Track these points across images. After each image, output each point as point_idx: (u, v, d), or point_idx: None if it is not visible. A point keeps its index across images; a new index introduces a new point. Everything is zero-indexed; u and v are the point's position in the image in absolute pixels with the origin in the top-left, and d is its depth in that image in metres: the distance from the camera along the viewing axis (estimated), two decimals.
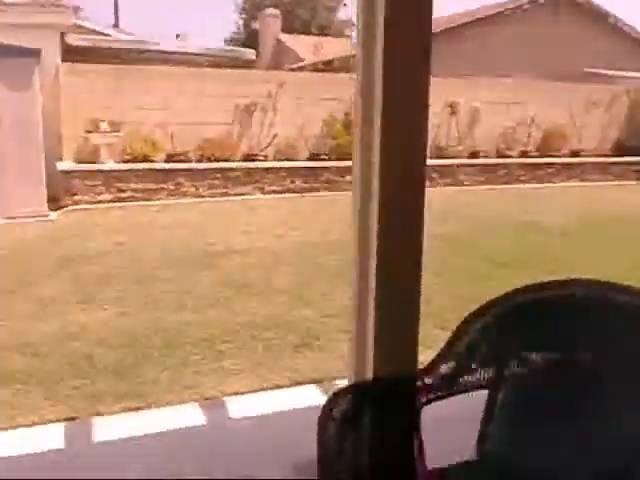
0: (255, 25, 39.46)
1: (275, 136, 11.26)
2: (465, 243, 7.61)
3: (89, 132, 10.03)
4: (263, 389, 3.84)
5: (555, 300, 1.82)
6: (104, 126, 10.00)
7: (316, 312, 5.10)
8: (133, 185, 9.92)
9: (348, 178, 11.50)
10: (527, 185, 12.70)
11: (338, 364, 4.16)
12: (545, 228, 8.34)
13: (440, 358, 1.80)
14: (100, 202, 9.65)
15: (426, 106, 1.87)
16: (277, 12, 26.26)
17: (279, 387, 3.87)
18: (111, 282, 5.73)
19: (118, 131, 10.13)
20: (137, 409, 3.57)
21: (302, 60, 23.52)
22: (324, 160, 11.41)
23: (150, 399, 3.67)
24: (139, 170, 9.98)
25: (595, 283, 1.80)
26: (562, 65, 16.95)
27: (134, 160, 10.09)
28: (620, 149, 14.13)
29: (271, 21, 25.87)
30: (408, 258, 1.93)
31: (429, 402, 1.81)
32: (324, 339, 4.57)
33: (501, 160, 12.87)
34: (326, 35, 29.49)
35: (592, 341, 1.78)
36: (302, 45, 25.19)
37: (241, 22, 40.94)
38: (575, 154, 13.63)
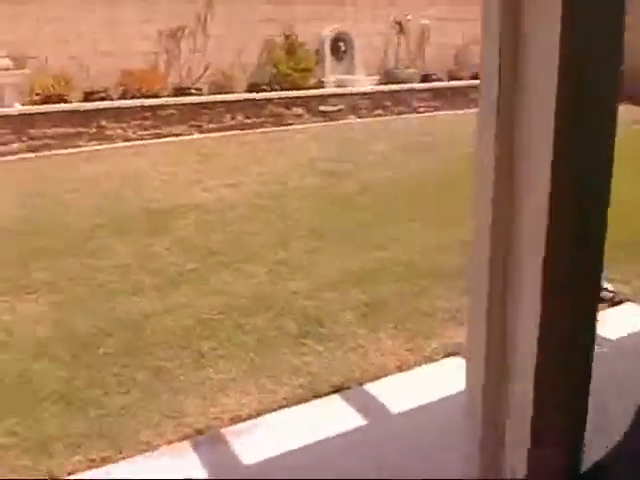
0: None
1: (208, 66, 9.86)
2: None
3: None
4: (271, 408, 2.85)
5: None
6: (6, 62, 8.37)
7: (307, 284, 4.09)
8: (47, 131, 8.41)
9: (295, 110, 10.32)
10: None
11: (358, 359, 3.22)
12: None
13: None
14: (10, 153, 8.14)
15: None
16: None
17: (291, 401, 2.90)
18: (35, 259, 4.51)
19: (23, 67, 8.52)
20: (103, 461, 2.53)
21: None
22: (265, 91, 10.14)
23: (120, 442, 2.63)
24: (53, 113, 8.44)
25: None
26: None
27: (46, 101, 8.53)
28: None
29: None
30: None
31: None
32: (329, 323, 3.60)
33: (455, 83, 11.92)
34: None
35: None
36: None
37: None
38: None
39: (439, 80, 11.93)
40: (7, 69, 8.38)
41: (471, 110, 11.70)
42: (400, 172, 6.97)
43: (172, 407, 2.85)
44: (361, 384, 3.02)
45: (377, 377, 3.08)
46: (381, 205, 5.77)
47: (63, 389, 2.97)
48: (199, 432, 2.69)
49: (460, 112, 11.57)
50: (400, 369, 3.17)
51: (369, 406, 2.84)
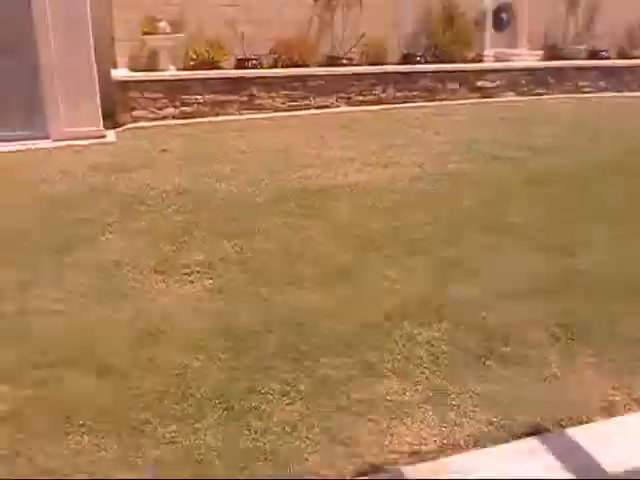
0: None
1: (363, 35, 9.41)
2: None
3: (146, 34, 8.40)
4: (458, 446, 2.44)
5: None
6: (163, 26, 8.35)
7: (485, 289, 3.61)
8: (199, 97, 8.35)
9: (450, 85, 9.68)
10: None
11: (554, 392, 2.73)
12: None
13: None
14: (164, 117, 8.16)
15: None
16: None
17: (480, 440, 2.47)
18: (193, 237, 4.33)
19: (180, 32, 8.48)
20: None
21: None
22: (420, 63, 9.56)
23: (285, 468, 2.32)
24: (206, 79, 8.36)
25: None
26: None
27: (199, 67, 8.46)
28: None
29: None
30: None
31: None
32: (515, 342, 3.11)
33: (626, 62, 10.76)
34: None
35: None
36: None
37: None
38: None
39: (608, 58, 10.81)
40: (164, 33, 8.36)
41: None
42: (574, 159, 6.25)
43: (341, 430, 2.51)
44: (563, 427, 2.54)
45: (580, 419, 2.59)
46: (558, 199, 5.13)
47: (222, 392, 2.71)
48: (375, 468, 2.33)
49: (630, 94, 10.47)
50: (607, 412, 2.65)
51: (578, 459, 2.36)
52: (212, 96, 8.39)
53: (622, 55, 11.01)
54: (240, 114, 8.50)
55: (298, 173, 5.73)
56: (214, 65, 8.52)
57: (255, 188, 5.31)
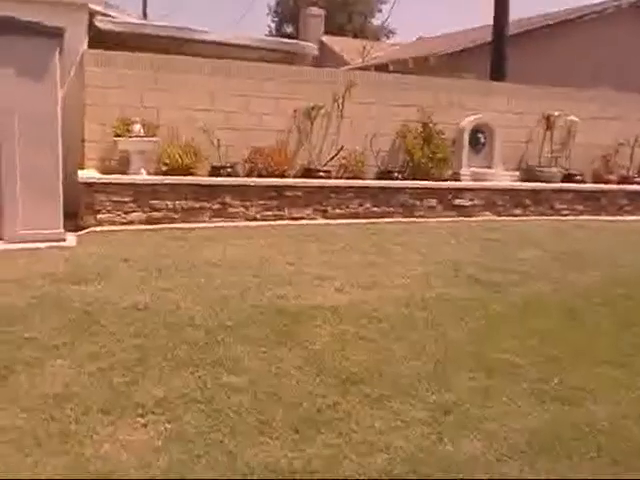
0: (288, 29, 37.82)
1: (341, 148, 9.29)
2: None
3: (118, 135, 8.13)
4: None
5: None
6: (137, 128, 8.10)
7: (486, 446, 3.10)
8: (169, 203, 8.00)
9: (428, 202, 9.50)
10: (634, 217, 10.66)
11: None
12: None
13: None
14: (130, 222, 7.75)
15: None
16: (321, 12, 24.35)
17: None
18: (150, 366, 3.78)
19: (154, 135, 8.23)
20: None
21: (348, 64, 21.63)
22: (398, 179, 9.43)
23: None
24: (178, 185, 8.06)
25: None
26: None
27: (172, 172, 8.16)
28: None
29: (313, 21, 23.98)
30: None
31: None
32: None
33: (601, 186, 10.81)
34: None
35: None
36: (347, 48, 23.34)
37: (273, 25, 39.34)
38: None
39: (583, 182, 10.87)
40: (137, 136, 8.10)
41: (621, 217, 10.55)
42: (561, 286, 5.93)
43: None
44: None
45: None
46: (550, 332, 4.73)
47: None
48: None
49: (607, 219, 10.46)
50: None
51: None
52: (183, 202, 8.05)
53: (598, 179, 11.10)
54: (212, 222, 8.14)
55: (273, 291, 5.28)
56: (187, 171, 8.23)
57: (225, 308, 4.83)
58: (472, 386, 3.77)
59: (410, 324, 4.75)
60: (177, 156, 8.21)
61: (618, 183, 11.08)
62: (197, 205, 8.16)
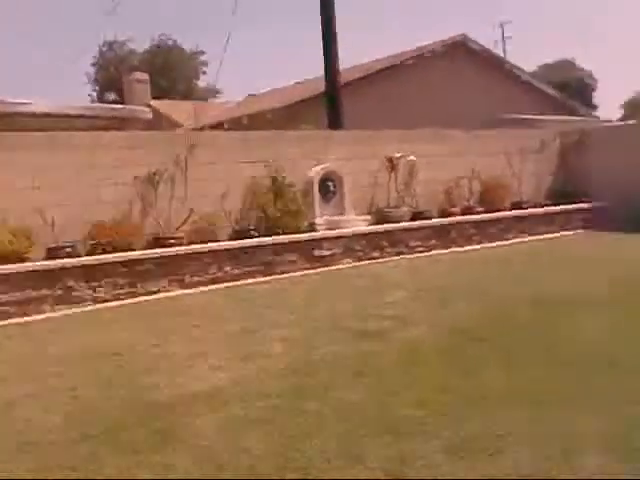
0: (110, 96, 36.82)
1: (191, 212, 8.78)
2: None
3: None
4: None
5: None
6: None
7: None
8: (3, 297, 7.02)
9: (287, 256, 9.19)
10: (482, 245, 11.06)
11: None
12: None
13: None
14: None
15: None
16: (145, 76, 23.82)
17: None
18: None
19: None
20: None
21: (181, 126, 21.21)
22: (253, 237, 9.07)
23: None
24: (10, 274, 7.11)
25: None
26: (478, 113, 15.98)
27: (2, 261, 7.20)
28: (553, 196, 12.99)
29: (139, 86, 23.38)
30: None
31: None
32: None
33: (448, 220, 11.14)
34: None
35: None
36: (177, 110, 22.95)
37: (95, 94, 38.29)
38: (517, 206, 12.27)
39: (430, 217, 11.16)
40: None
41: (470, 247, 10.89)
42: (436, 327, 5.80)
43: None
44: None
45: None
46: (448, 380, 4.49)
47: None
48: None
49: (458, 249, 10.75)
50: None
51: None
52: (18, 294, 7.10)
53: (443, 213, 11.44)
54: (56, 311, 7.24)
55: (141, 382, 4.61)
56: (19, 257, 7.31)
57: (86, 412, 4.10)
58: (383, 455, 3.38)
59: (299, 394, 4.28)
60: (6, 242, 7.27)
61: (462, 214, 11.49)
62: (35, 294, 7.23)
